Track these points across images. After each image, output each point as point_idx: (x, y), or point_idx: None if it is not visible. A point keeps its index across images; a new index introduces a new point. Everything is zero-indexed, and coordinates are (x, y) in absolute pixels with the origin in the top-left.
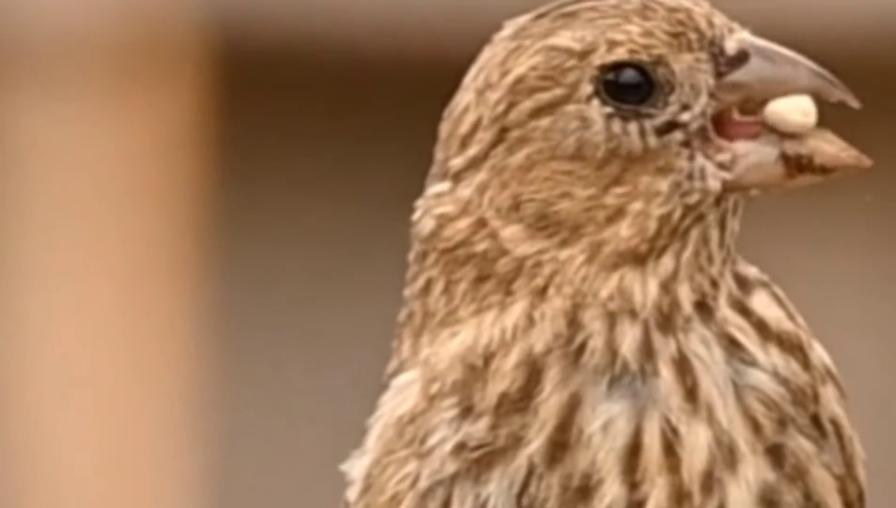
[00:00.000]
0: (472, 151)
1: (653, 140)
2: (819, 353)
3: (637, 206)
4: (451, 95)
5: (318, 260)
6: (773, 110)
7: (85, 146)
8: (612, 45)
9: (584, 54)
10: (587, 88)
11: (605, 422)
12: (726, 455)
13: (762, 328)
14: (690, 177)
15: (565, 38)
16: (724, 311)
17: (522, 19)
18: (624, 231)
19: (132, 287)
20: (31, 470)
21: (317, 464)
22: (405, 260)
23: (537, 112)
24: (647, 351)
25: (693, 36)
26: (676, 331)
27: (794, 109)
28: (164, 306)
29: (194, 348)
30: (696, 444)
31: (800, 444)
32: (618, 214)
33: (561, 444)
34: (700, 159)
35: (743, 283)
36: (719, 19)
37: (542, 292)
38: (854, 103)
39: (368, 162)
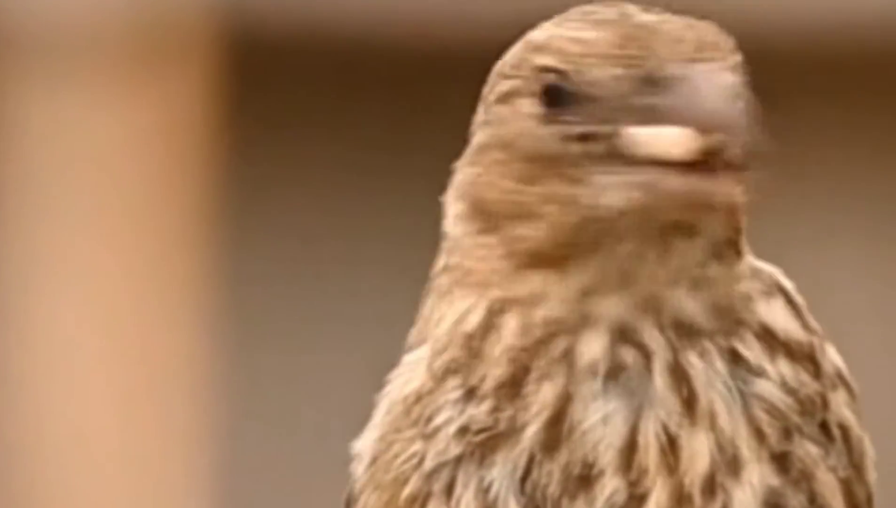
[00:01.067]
0: (474, 131)
1: (570, 148)
2: (832, 358)
3: (550, 209)
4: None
5: (330, 248)
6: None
7: (94, 133)
8: (548, 48)
9: (535, 52)
10: (534, 86)
11: (603, 417)
12: (730, 460)
13: (769, 339)
14: (598, 191)
15: (538, 34)
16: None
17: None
18: (536, 232)
19: (142, 275)
20: (42, 465)
21: (327, 455)
22: (418, 247)
23: (502, 98)
24: (614, 358)
25: (633, 53)
26: (660, 342)
27: (662, 138)
28: (174, 292)
29: (204, 335)
30: (697, 450)
31: (807, 450)
32: (533, 213)
33: (555, 436)
34: (609, 176)
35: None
36: (688, 46)
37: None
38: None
39: (381, 149)
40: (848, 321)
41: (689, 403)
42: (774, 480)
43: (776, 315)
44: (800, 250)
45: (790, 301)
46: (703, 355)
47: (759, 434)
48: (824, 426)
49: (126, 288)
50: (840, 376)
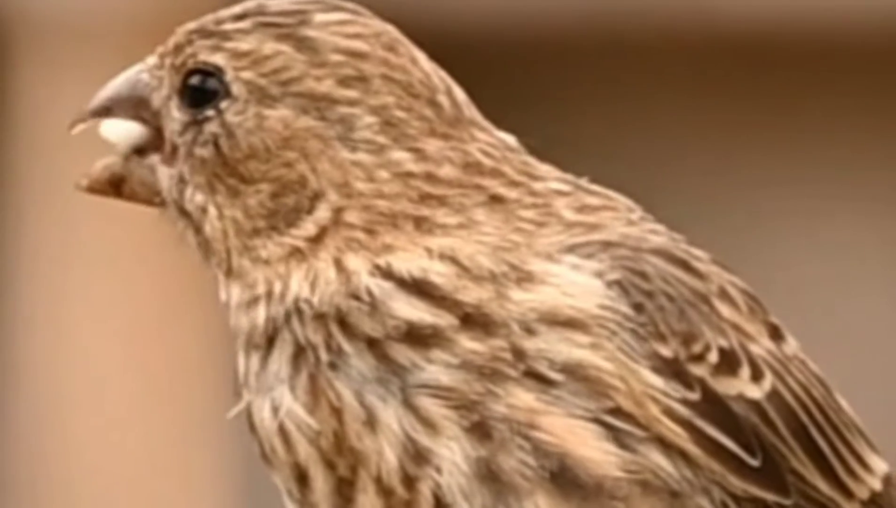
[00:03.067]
0: None
1: None
2: (519, 308)
3: None
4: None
5: None
6: None
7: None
8: None
9: None
10: None
11: (258, 407)
12: (414, 454)
13: (410, 336)
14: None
15: None
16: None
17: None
18: None
19: (160, 266)
20: (62, 471)
21: None
22: None
23: None
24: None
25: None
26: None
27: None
28: (193, 283)
29: (229, 351)
30: (375, 450)
31: (514, 404)
32: None
33: None
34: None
35: (364, 289)
36: (172, 43)
37: None
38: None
39: None
40: (861, 297)
41: (331, 407)
42: (480, 451)
43: (410, 308)
44: (814, 230)
45: (420, 291)
46: (329, 351)
47: (432, 419)
48: (531, 374)
49: (145, 279)
50: (548, 320)
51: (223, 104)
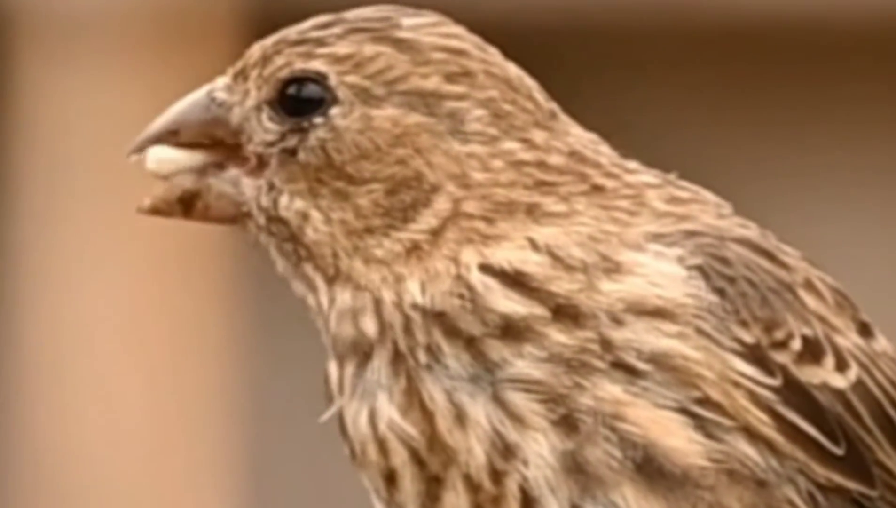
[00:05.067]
0: None
1: None
2: (608, 299)
3: None
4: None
5: None
6: None
7: (120, 112)
8: None
9: None
10: None
11: (354, 413)
12: (502, 449)
13: (505, 330)
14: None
15: None
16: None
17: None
18: None
19: (170, 262)
20: (67, 473)
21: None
22: None
23: None
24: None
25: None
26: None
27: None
28: (203, 282)
29: (232, 346)
30: (464, 447)
31: (600, 396)
32: None
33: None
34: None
35: (471, 284)
36: (249, 60)
37: None
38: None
39: None
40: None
41: (419, 404)
42: (567, 444)
43: (504, 306)
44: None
45: (516, 283)
46: (428, 353)
47: (519, 414)
48: (619, 365)
49: (150, 276)
50: (635, 310)
51: (333, 110)
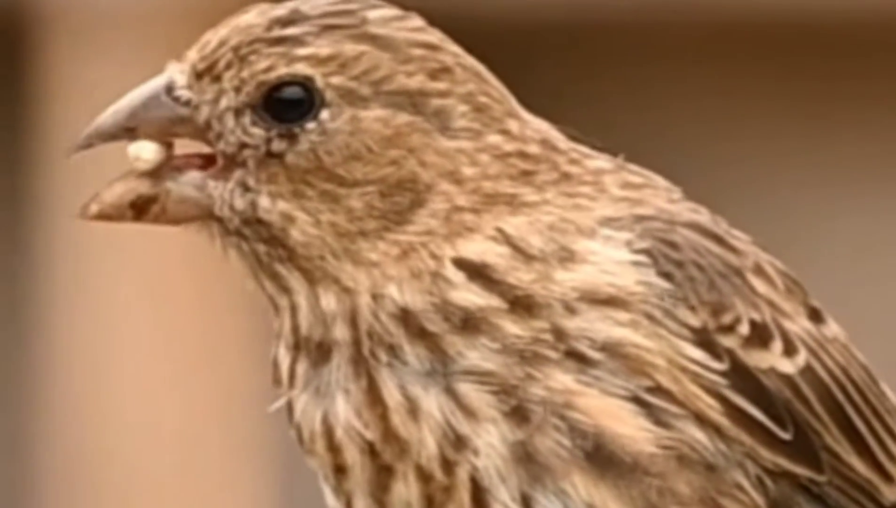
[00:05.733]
0: None
1: None
2: (561, 288)
3: None
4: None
5: None
6: None
7: None
8: None
9: None
10: None
11: (304, 405)
12: (453, 440)
13: (464, 324)
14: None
15: None
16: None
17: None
18: None
19: (201, 258)
20: (100, 475)
21: None
22: None
23: None
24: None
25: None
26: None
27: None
28: (235, 279)
29: (266, 342)
30: (417, 438)
31: (551, 386)
32: None
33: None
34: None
35: (445, 279)
36: (217, 58)
37: None
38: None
39: None
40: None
41: (373, 395)
42: (518, 434)
43: (464, 300)
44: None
45: (478, 275)
46: (389, 352)
47: (471, 406)
48: (572, 354)
49: (188, 271)
50: (588, 299)
51: (323, 114)
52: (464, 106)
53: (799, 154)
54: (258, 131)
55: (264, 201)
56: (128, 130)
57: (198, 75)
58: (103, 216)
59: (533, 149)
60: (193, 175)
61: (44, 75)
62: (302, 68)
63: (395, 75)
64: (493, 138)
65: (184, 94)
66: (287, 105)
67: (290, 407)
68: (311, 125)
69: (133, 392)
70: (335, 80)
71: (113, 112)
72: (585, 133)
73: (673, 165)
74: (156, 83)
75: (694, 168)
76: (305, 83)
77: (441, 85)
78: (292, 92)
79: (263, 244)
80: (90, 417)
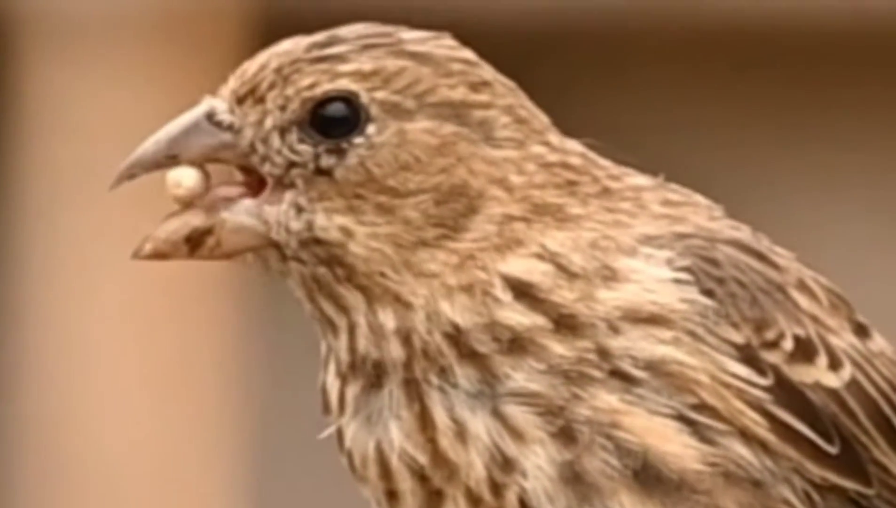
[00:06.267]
0: None
1: None
2: (605, 307)
3: None
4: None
5: None
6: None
7: (123, 113)
8: None
9: None
10: None
11: (355, 433)
12: (501, 462)
13: (512, 344)
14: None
15: None
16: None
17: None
18: None
19: (182, 270)
20: (85, 480)
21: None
22: None
23: None
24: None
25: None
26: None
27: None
28: (210, 281)
29: (243, 352)
30: (465, 462)
31: (597, 406)
32: None
33: None
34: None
35: (493, 297)
36: (258, 81)
37: None
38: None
39: None
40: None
41: (423, 418)
42: (565, 454)
43: (511, 319)
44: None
45: (524, 294)
46: (442, 374)
47: (518, 428)
48: (616, 374)
49: (165, 281)
50: (628, 317)
51: (369, 128)
52: (506, 118)
53: (800, 159)
54: (306, 148)
55: (320, 219)
56: (170, 158)
57: (239, 100)
58: (158, 255)
59: (575, 161)
60: (247, 203)
61: (23, 82)
62: (346, 84)
63: (438, 88)
64: (537, 149)
65: (226, 118)
66: (333, 122)
67: (339, 435)
68: (358, 140)
69: (106, 392)
70: (379, 94)
71: (154, 141)
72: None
73: (676, 169)
74: (196, 111)
75: (695, 172)
76: (350, 98)
77: (483, 97)
78: (336, 109)
79: (322, 266)
80: (65, 421)
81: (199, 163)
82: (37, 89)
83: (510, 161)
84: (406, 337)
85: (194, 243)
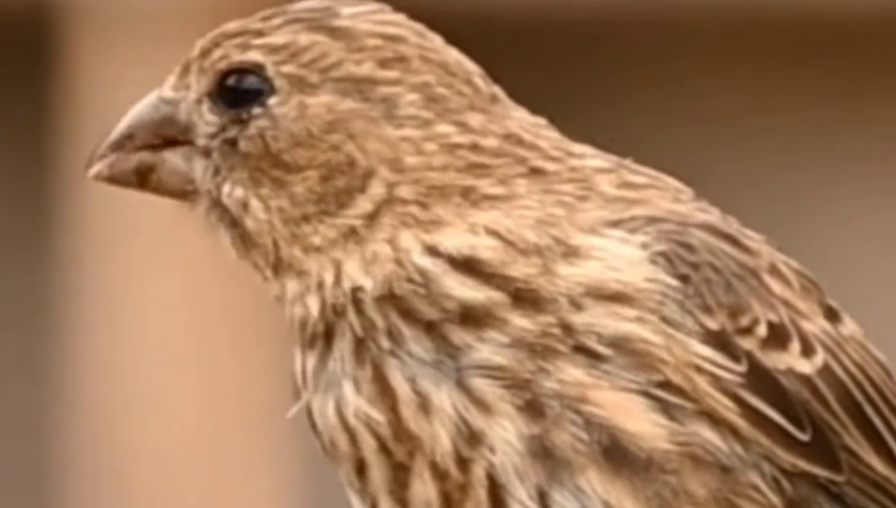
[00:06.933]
0: None
1: None
2: (566, 283)
3: None
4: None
5: None
6: None
7: None
8: None
9: None
10: None
11: (320, 406)
12: (468, 436)
13: (464, 316)
14: None
15: None
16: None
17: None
18: None
19: (224, 269)
20: (126, 473)
21: None
22: None
23: None
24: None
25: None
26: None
27: None
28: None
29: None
30: (429, 434)
31: (564, 379)
32: None
33: None
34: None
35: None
36: (192, 54)
37: None
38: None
39: None
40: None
41: (383, 388)
42: (533, 428)
43: (460, 292)
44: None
45: (470, 269)
46: (389, 337)
47: (484, 400)
48: (581, 349)
49: (213, 271)
50: (594, 294)
51: (271, 100)
52: (414, 95)
53: (821, 151)
54: (214, 118)
55: (226, 187)
56: (127, 138)
57: (180, 74)
58: (111, 179)
59: (489, 142)
60: (185, 150)
61: (69, 73)
62: (254, 56)
63: (344, 63)
64: (444, 128)
65: (167, 93)
66: (242, 94)
67: (310, 416)
68: (257, 110)
69: (158, 391)
70: (286, 68)
71: (119, 124)
72: (603, 130)
73: (691, 162)
74: (155, 91)
75: (712, 165)
76: (257, 71)
77: (391, 74)
78: (249, 81)
79: (231, 229)
80: (115, 414)
81: (151, 140)
82: (86, 81)
83: (408, 140)
84: (319, 294)
85: (141, 176)
